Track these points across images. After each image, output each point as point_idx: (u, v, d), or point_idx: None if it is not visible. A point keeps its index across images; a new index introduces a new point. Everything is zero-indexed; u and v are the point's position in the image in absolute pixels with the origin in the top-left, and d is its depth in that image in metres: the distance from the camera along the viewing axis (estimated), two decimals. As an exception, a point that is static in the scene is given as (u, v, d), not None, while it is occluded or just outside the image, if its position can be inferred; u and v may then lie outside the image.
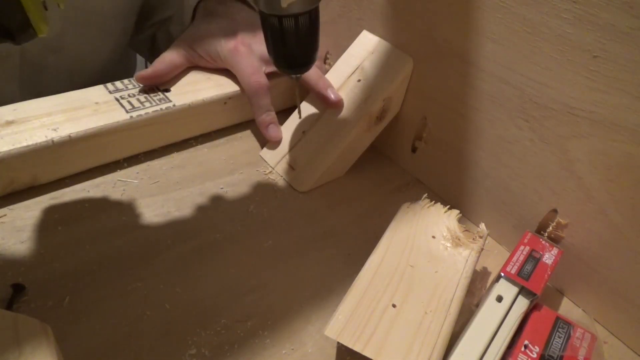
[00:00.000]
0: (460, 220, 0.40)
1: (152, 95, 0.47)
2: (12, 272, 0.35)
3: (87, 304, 0.34)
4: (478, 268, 0.41)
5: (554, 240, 0.39)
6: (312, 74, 0.47)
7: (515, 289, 0.34)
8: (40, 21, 0.29)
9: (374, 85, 0.47)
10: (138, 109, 0.45)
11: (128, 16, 0.61)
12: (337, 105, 0.47)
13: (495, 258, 0.43)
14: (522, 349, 0.32)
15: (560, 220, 0.38)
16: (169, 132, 0.48)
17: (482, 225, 0.39)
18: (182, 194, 0.44)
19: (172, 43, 0.51)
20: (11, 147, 0.38)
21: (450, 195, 0.48)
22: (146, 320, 0.34)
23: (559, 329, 0.34)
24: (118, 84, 0.48)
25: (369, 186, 0.49)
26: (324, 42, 0.54)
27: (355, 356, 0.30)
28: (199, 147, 0.50)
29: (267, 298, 0.37)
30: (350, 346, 0.30)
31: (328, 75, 0.50)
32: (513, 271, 0.35)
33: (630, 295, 0.36)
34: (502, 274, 0.35)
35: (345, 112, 0.47)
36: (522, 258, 0.36)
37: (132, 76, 0.49)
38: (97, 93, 0.46)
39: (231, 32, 0.50)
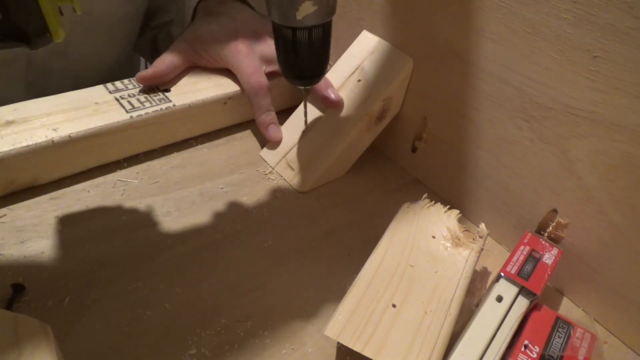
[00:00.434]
0: (460, 220, 0.40)
1: (152, 95, 0.47)
2: (12, 272, 0.35)
3: (87, 304, 0.34)
4: (478, 268, 0.41)
5: (554, 240, 0.39)
6: None
7: (515, 289, 0.34)
8: (58, 26, 0.28)
9: (374, 85, 0.47)
10: (138, 109, 0.45)
11: (134, 20, 0.61)
12: (338, 105, 0.47)
13: (495, 258, 0.43)
14: (522, 348, 0.32)
15: (560, 220, 0.38)
16: (169, 132, 0.48)
17: (482, 225, 0.39)
18: (182, 194, 0.44)
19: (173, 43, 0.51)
20: (11, 147, 0.38)
21: (450, 195, 0.48)
22: (146, 320, 0.34)
23: (559, 329, 0.34)
24: (118, 84, 0.48)
25: (369, 186, 0.49)
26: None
27: (355, 356, 0.30)
28: (199, 147, 0.50)
29: (267, 298, 0.37)
30: (350, 346, 0.30)
31: (328, 75, 0.50)
32: (513, 271, 0.35)
33: (630, 295, 0.36)
34: (502, 274, 0.35)
35: (345, 112, 0.47)
36: (522, 258, 0.36)
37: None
38: (97, 93, 0.46)
39: (232, 32, 0.50)
